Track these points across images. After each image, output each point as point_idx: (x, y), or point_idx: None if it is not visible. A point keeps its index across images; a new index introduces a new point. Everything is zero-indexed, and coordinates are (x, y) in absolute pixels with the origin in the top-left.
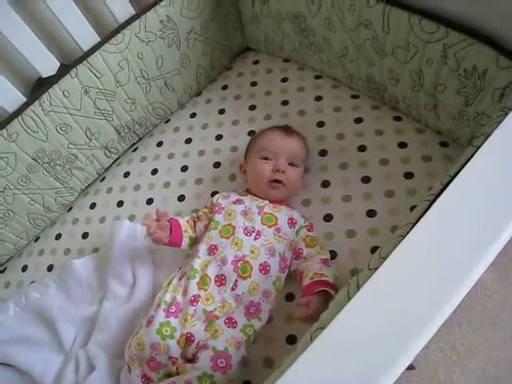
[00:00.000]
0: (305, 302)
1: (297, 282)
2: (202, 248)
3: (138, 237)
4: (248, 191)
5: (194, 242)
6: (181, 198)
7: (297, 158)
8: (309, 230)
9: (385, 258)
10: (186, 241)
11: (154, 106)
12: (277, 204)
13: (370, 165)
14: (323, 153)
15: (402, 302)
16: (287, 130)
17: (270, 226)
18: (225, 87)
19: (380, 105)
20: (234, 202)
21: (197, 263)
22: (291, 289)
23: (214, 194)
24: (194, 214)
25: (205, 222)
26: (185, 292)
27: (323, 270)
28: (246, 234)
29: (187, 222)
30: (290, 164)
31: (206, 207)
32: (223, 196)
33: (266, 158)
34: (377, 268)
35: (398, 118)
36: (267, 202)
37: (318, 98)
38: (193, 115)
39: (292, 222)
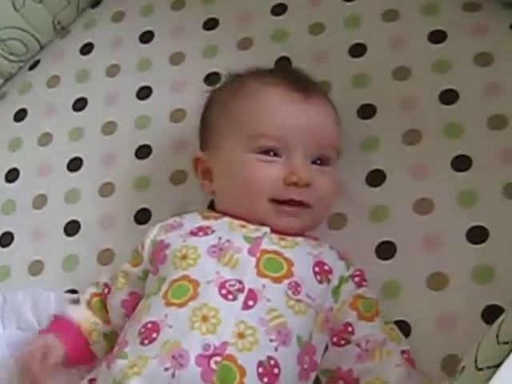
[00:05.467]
0: None
1: None
2: (131, 333)
3: None
4: (219, 212)
5: (115, 338)
6: (71, 229)
7: (329, 148)
8: (359, 284)
9: (509, 343)
10: (99, 347)
11: (3, 37)
12: (285, 234)
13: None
14: (367, 111)
15: None
16: (303, 86)
17: (278, 280)
18: None
19: None
20: (193, 233)
21: (116, 368)
22: None
23: (139, 216)
24: (103, 280)
25: (124, 292)
26: None
27: None
28: (224, 297)
29: (86, 306)
30: (315, 162)
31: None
32: (169, 226)
33: (268, 152)
34: (497, 366)
35: None
36: (267, 229)
37: None
38: (86, 48)
39: (322, 271)
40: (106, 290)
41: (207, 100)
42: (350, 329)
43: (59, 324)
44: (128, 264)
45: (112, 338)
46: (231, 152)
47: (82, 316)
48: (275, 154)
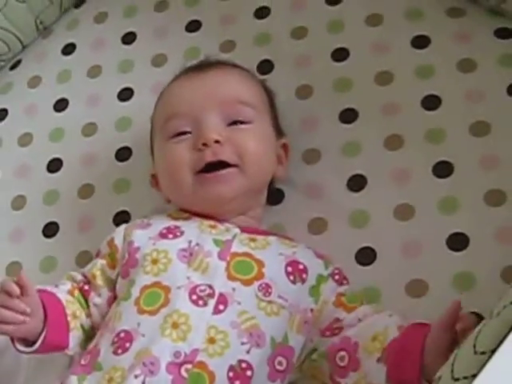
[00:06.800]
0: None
1: None
2: (104, 342)
3: None
4: (187, 212)
5: (90, 336)
6: (49, 231)
7: (237, 104)
8: (339, 282)
9: (485, 353)
10: (75, 337)
11: None
12: (257, 233)
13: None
14: (349, 115)
15: None
16: (202, 64)
17: (248, 282)
18: None
19: None
20: (162, 235)
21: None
22: None
23: (118, 219)
24: (79, 276)
25: (105, 290)
26: None
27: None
28: (194, 303)
29: (69, 294)
30: (231, 124)
31: (98, 254)
32: (136, 225)
33: (181, 134)
34: (473, 376)
35: None
36: (237, 230)
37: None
38: (68, 49)
39: (296, 270)
40: (87, 287)
41: None
42: (340, 318)
43: (47, 296)
44: (104, 261)
45: (88, 333)
46: (157, 148)
47: (65, 299)
48: (189, 132)
